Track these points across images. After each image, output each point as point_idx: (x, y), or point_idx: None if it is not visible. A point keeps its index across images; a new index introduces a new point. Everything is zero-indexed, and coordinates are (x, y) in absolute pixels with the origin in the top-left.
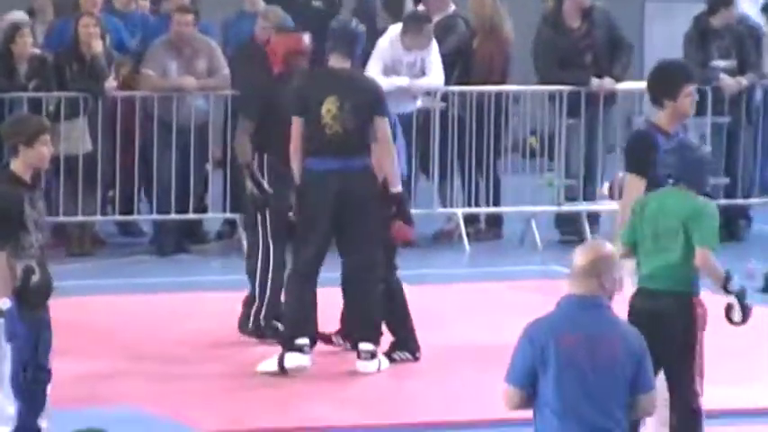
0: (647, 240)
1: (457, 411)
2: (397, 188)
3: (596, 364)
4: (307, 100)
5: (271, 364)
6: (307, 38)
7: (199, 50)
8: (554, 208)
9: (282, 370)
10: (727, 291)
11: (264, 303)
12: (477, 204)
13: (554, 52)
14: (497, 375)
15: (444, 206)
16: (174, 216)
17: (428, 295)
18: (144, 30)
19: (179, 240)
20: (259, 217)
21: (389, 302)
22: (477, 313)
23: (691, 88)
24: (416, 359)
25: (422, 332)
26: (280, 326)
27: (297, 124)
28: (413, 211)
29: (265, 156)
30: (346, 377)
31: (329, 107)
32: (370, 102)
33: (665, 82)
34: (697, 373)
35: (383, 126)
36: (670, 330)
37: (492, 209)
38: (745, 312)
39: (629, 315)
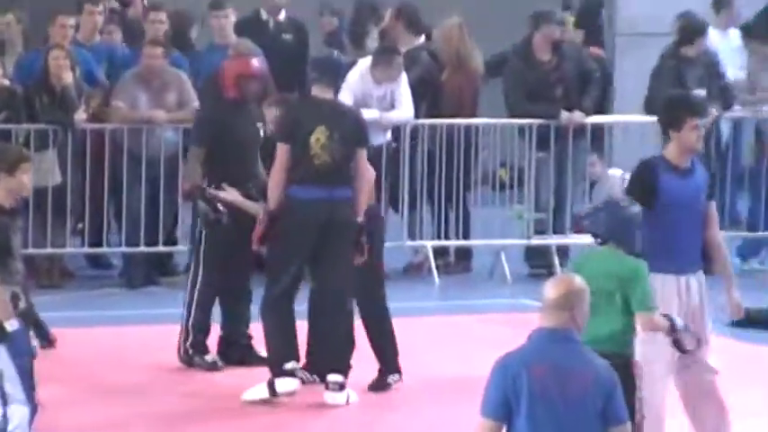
0: None
1: None
2: (361, 219)
3: (567, 396)
4: (294, 128)
5: (258, 392)
6: (257, 61)
7: (169, 83)
8: (524, 241)
9: (274, 395)
10: (675, 332)
11: (190, 331)
12: (446, 237)
13: (524, 85)
14: (468, 408)
15: (413, 239)
16: (143, 248)
17: (398, 328)
18: (110, 61)
19: (148, 273)
20: (195, 244)
21: (380, 328)
22: (447, 346)
23: (696, 122)
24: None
25: None
26: (209, 357)
27: (283, 151)
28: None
29: (213, 185)
30: (314, 410)
31: (318, 136)
32: (356, 132)
33: (669, 113)
34: None
35: (363, 157)
36: None
37: (461, 242)
38: (696, 338)
39: None
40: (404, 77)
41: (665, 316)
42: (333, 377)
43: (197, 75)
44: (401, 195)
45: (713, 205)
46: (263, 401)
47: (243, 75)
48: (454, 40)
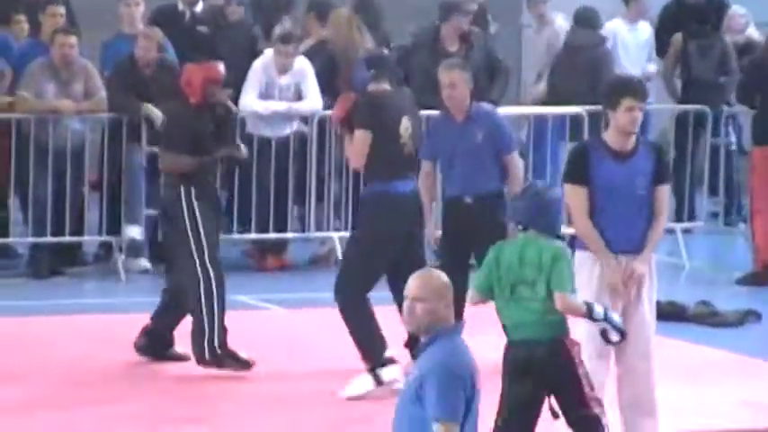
0: (505, 290)
1: None
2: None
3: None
4: (382, 117)
5: (361, 386)
6: (222, 67)
7: (76, 73)
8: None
9: (380, 384)
10: (593, 320)
11: (214, 328)
12: (353, 228)
13: (430, 76)
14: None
15: (320, 230)
16: (49, 239)
17: (304, 319)
18: (4, 50)
19: (54, 263)
20: (193, 247)
21: None
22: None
23: (631, 103)
24: None
25: (294, 356)
26: (243, 354)
27: (365, 138)
28: (288, 235)
29: (192, 188)
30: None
31: (406, 125)
32: (419, 120)
33: (608, 95)
34: (593, 402)
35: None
36: (551, 377)
37: None
38: (620, 331)
39: (506, 368)
40: (309, 69)
41: (586, 304)
42: None
43: (104, 64)
44: (308, 186)
45: (661, 190)
46: (368, 393)
47: (211, 81)
48: (343, 30)
